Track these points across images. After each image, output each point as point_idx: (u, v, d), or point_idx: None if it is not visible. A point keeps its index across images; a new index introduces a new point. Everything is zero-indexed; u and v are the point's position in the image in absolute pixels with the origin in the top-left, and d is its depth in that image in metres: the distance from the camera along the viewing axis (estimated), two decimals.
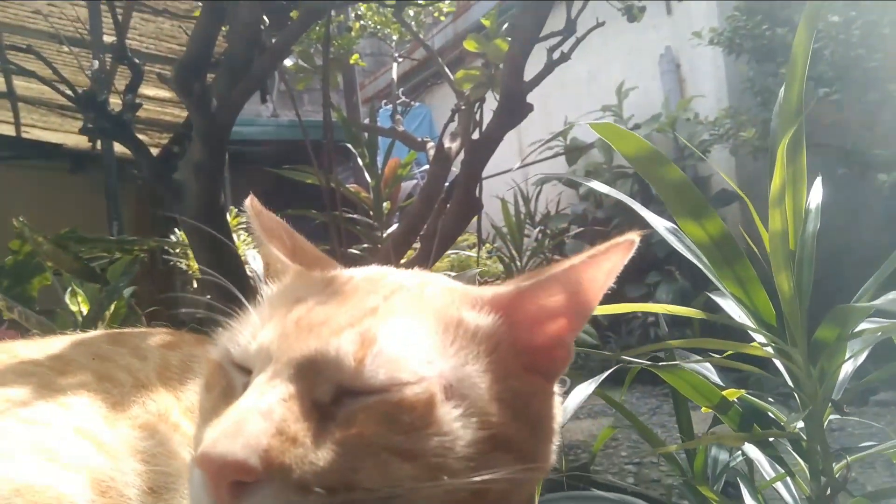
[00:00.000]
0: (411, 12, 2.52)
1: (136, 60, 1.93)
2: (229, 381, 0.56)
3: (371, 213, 2.90)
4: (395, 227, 2.68)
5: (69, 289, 2.27)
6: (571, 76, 5.49)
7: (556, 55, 1.78)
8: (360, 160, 2.64)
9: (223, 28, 1.93)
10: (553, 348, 0.59)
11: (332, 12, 2.41)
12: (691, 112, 4.78)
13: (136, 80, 1.93)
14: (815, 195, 0.95)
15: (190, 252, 5.29)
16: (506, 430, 0.52)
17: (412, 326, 0.53)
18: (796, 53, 0.86)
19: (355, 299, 0.55)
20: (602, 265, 0.57)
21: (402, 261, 1.93)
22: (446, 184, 2.07)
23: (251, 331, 0.55)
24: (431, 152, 2.36)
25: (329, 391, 0.50)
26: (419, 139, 2.44)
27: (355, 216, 2.66)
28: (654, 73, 5.26)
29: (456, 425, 0.49)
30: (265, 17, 2.02)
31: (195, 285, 4.93)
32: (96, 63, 2.08)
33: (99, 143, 5.47)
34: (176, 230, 3.56)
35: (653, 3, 2.37)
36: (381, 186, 2.60)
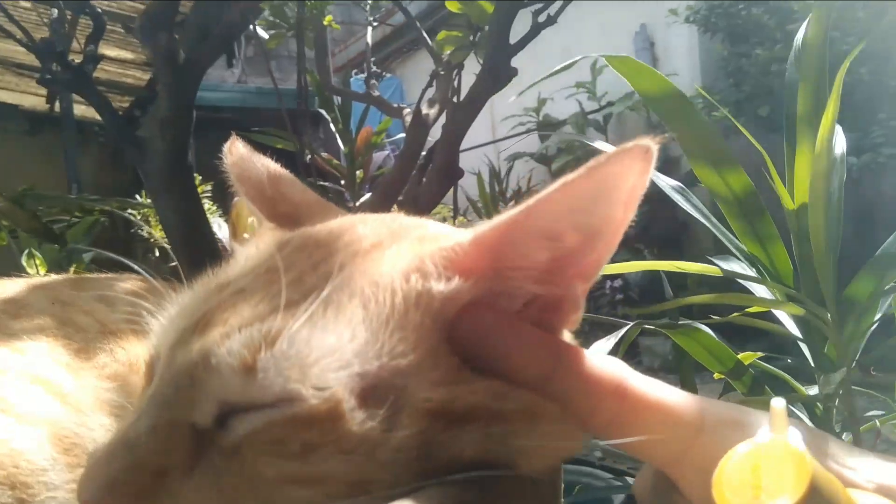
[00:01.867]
0: None
1: (99, 10, 1.82)
2: (152, 377, 0.47)
3: (342, 181, 2.84)
4: (367, 196, 2.62)
5: (26, 251, 2.17)
6: (545, 52, 5.43)
7: (541, 18, 1.73)
8: (332, 126, 2.56)
9: None
10: (553, 304, 0.45)
11: None
12: None
13: (97, 32, 1.83)
14: (840, 144, 0.91)
15: (153, 219, 5.15)
16: (462, 401, 0.41)
17: (336, 317, 0.41)
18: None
19: (279, 284, 0.43)
20: (614, 179, 0.40)
21: None
22: (423, 151, 2.02)
23: (166, 323, 0.47)
24: (408, 119, 2.30)
25: (210, 411, 0.41)
26: (395, 105, 2.37)
27: (327, 184, 2.59)
28: (629, 51, 5.23)
29: (373, 432, 0.39)
30: None
31: (157, 254, 4.80)
32: (55, 12, 1.96)
33: (58, 104, 5.26)
34: (138, 196, 3.44)
35: None
36: (354, 153, 2.53)
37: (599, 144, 1.02)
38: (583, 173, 0.40)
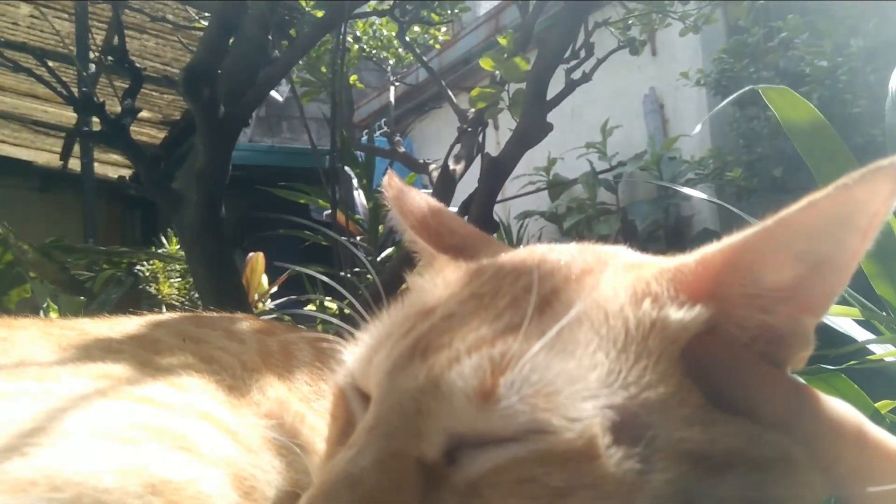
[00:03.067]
0: (415, 29, 2.49)
1: (137, 66, 1.85)
2: (349, 413, 0.45)
3: (358, 237, 2.84)
4: (389, 249, 2.61)
5: (45, 304, 2.14)
6: (555, 113, 5.52)
7: (575, 75, 1.75)
8: (355, 181, 2.57)
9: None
10: (780, 339, 0.41)
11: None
12: (675, 152, 4.83)
13: (135, 86, 1.85)
14: None
15: (161, 275, 5.12)
16: (719, 444, 0.37)
17: (570, 344, 0.37)
18: None
19: (495, 307, 0.41)
20: (858, 203, 0.36)
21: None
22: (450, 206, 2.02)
23: (369, 349, 0.44)
24: (434, 174, 2.31)
25: (438, 444, 0.37)
26: (420, 161, 2.38)
27: (357, 240, 2.59)
28: (638, 113, 5.33)
29: (630, 475, 0.35)
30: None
31: (164, 311, 4.75)
32: (93, 67, 1.99)
33: (72, 160, 5.31)
34: (153, 247, 3.44)
35: None
36: (378, 209, 2.53)
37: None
38: (830, 193, 0.37)
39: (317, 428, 0.51)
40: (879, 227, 0.38)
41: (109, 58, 1.83)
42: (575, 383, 0.36)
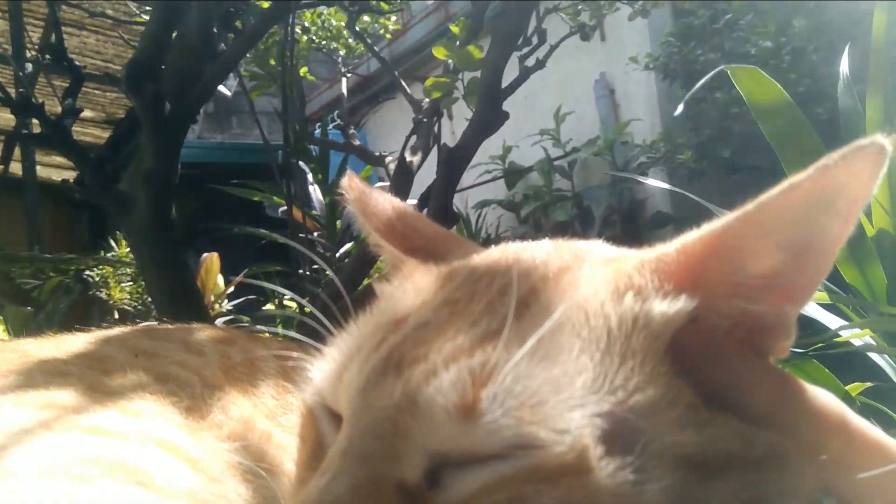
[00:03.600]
0: (364, 18, 2.45)
1: (77, 64, 1.77)
2: (319, 434, 0.42)
3: (315, 233, 2.79)
4: (348, 245, 2.58)
5: None
6: (509, 101, 5.53)
7: (529, 62, 1.75)
8: (310, 176, 2.52)
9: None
10: (762, 328, 0.40)
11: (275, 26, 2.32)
12: (628, 136, 4.88)
13: (75, 84, 1.77)
14: None
15: (112, 280, 4.97)
16: (714, 446, 0.35)
17: (552, 349, 0.35)
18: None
19: (470, 313, 0.38)
20: (838, 185, 0.35)
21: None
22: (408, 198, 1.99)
23: (338, 365, 0.41)
24: (390, 167, 2.28)
25: (419, 465, 0.35)
26: (376, 154, 2.35)
27: (313, 236, 2.54)
28: (590, 98, 5.36)
29: (625, 487, 0.33)
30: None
31: (116, 316, 4.63)
32: (30, 66, 1.90)
33: (13, 164, 5.11)
34: (103, 252, 3.33)
35: None
36: (335, 204, 2.49)
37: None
38: (811, 174, 0.35)
39: (285, 446, 0.48)
40: (860, 211, 0.37)
41: (47, 56, 1.75)
42: (561, 392, 0.34)
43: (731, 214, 0.38)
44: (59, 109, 1.73)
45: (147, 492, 0.38)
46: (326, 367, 0.42)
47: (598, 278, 0.40)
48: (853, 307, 0.84)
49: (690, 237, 0.40)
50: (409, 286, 0.44)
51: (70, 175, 4.82)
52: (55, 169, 5.63)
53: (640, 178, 1.77)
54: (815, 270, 0.39)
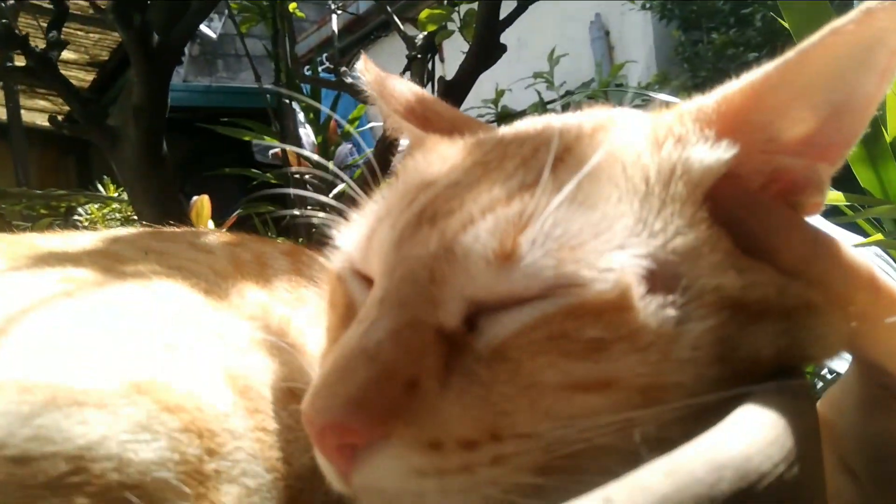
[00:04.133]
0: None
1: None
2: (350, 297, 0.42)
3: (307, 175, 2.75)
4: (341, 186, 2.55)
5: None
6: (502, 42, 5.45)
7: None
8: (302, 116, 2.48)
9: None
10: (797, 185, 0.40)
11: None
12: (623, 78, 4.82)
13: (59, 17, 1.72)
14: None
15: (101, 223, 4.93)
16: (753, 292, 0.35)
17: (590, 197, 0.35)
18: None
19: (504, 169, 0.38)
20: (877, 37, 0.34)
21: None
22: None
23: (367, 229, 0.41)
24: None
25: (458, 311, 0.35)
26: None
27: (308, 176, 2.51)
28: (585, 40, 5.28)
29: (668, 325, 0.33)
30: None
31: None
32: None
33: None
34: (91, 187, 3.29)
35: None
36: (328, 142, 2.46)
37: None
38: (852, 18, 0.34)
39: (304, 331, 0.48)
40: None
41: None
42: (601, 235, 0.34)
43: (772, 64, 0.37)
44: (43, 46, 1.68)
45: (177, 356, 0.38)
46: (354, 232, 0.42)
47: (636, 130, 0.40)
48: (864, 208, 0.83)
49: (730, 88, 0.39)
50: (435, 157, 0.44)
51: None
52: (39, 113, 5.52)
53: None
54: (850, 130, 0.39)
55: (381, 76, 0.54)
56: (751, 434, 0.29)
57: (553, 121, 0.44)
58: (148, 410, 0.35)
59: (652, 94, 4.37)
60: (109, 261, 0.48)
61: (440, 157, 0.44)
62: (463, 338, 0.35)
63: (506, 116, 5.47)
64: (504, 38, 1.82)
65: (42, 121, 5.25)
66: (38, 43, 1.77)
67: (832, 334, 0.38)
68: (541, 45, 5.33)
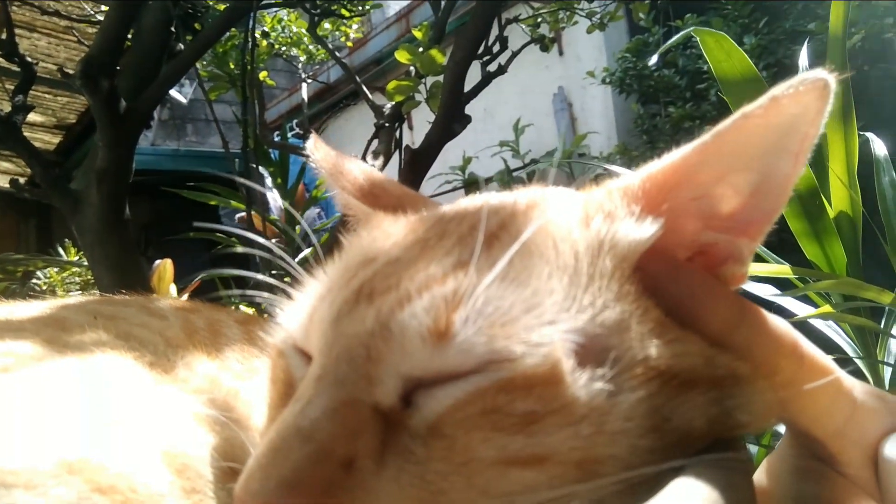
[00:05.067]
0: (325, 26, 2.45)
1: (29, 60, 1.73)
2: (290, 374, 0.42)
3: (274, 239, 2.75)
4: (307, 251, 2.55)
5: None
6: (469, 113, 5.59)
7: (491, 68, 1.76)
8: (270, 180, 2.49)
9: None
10: (719, 259, 0.41)
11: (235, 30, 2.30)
12: (585, 148, 4.96)
13: (27, 82, 1.73)
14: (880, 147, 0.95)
15: (59, 288, 4.80)
16: (682, 362, 0.36)
17: (521, 273, 0.36)
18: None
19: (441, 247, 0.39)
20: (788, 122, 0.36)
21: None
22: None
23: (308, 306, 0.41)
24: None
25: (394, 388, 0.35)
26: None
27: (273, 243, 2.50)
28: (549, 111, 5.44)
29: (599, 398, 0.33)
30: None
31: None
32: None
33: None
34: (51, 251, 3.22)
35: None
36: (295, 208, 2.46)
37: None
38: (762, 104, 0.35)
39: (252, 404, 0.47)
40: (811, 147, 0.38)
41: None
42: (532, 310, 0.35)
43: (690, 144, 0.39)
44: (9, 109, 1.68)
45: (109, 432, 0.37)
46: (295, 309, 0.42)
47: (567, 207, 0.41)
48: (812, 280, 0.87)
49: (654, 167, 0.40)
50: (379, 233, 0.44)
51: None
52: (2, 175, 5.46)
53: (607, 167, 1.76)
54: (769, 208, 0.40)
55: (330, 154, 0.55)
56: None
57: (491, 199, 0.45)
58: (79, 491, 0.34)
59: (610, 166, 4.50)
60: (54, 329, 0.47)
61: (383, 233, 0.44)
62: (399, 415, 0.35)
63: (472, 183, 5.56)
64: (471, 108, 1.87)
65: (4, 182, 5.18)
66: (4, 106, 1.77)
67: (760, 403, 0.38)
68: (506, 116, 5.48)
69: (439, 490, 0.33)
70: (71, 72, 1.59)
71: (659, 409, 0.35)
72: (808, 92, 0.35)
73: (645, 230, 0.39)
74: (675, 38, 1.24)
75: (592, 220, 0.39)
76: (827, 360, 0.39)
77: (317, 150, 0.54)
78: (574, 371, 0.34)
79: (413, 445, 0.34)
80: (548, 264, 0.37)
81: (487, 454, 0.33)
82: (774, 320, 0.39)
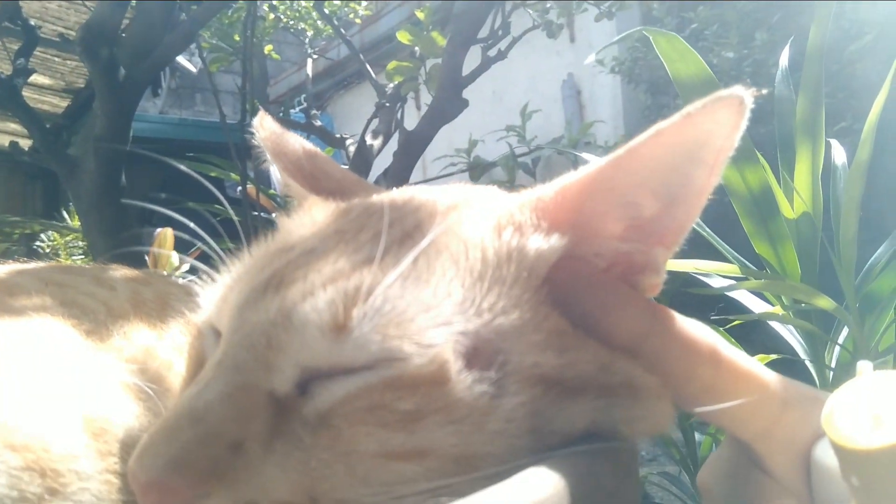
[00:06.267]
0: (334, 2, 2.44)
1: (31, 24, 1.73)
2: (201, 352, 0.43)
3: (273, 213, 2.76)
4: None
5: None
6: (476, 95, 5.56)
7: (491, 53, 1.76)
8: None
9: None
10: (635, 268, 0.42)
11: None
12: (591, 136, 4.94)
13: (29, 45, 1.73)
14: (840, 155, 0.96)
15: (63, 252, 4.83)
16: (571, 370, 0.37)
17: (425, 273, 0.37)
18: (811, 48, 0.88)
19: (357, 241, 0.40)
20: (703, 135, 0.37)
21: None
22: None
23: (224, 289, 0.42)
24: (351, 150, 2.28)
25: (291, 376, 0.36)
26: (337, 135, 2.34)
27: (270, 216, 2.51)
28: (557, 98, 5.41)
29: (483, 399, 0.35)
30: None
31: None
32: None
33: None
34: (55, 222, 3.24)
35: None
36: None
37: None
38: (675, 121, 0.36)
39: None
40: (725, 161, 0.39)
41: (3, 19, 1.71)
42: (428, 311, 0.36)
43: (605, 158, 0.39)
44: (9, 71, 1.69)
45: (28, 394, 0.38)
46: (215, 290, 0.44)
47: (482, 214, 0.42)
48: (763, 280, 0.88)
49: (568, 179, 0.41)
50: (307, 219, 0.46)
51: (25, 143, 4.70)
52: (9, 136, 5.47)
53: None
54: (684, 217, 0.41)
55: (275, 133, 0.55)
56: (526, 492, 0.31)
57: (418, 194, 0.46)
58: None
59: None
60: (1, 294, 0.48)
61: (310, 220, 0.45)
62: (293, 402, 0.36)
63: (477, 166, 5.56)
64: (479, 90, 1.86)
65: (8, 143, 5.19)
66: (5, 69, 1.78)
67: (648, 417, 0.39)
68: (515, 100, 5.47)
69: (321, 476, 0.35)
70: (73, 33, 1.60)
71: (541, 412, 0.36)
72: (722, 109, 0.36)
73: (551, 244, 0.40)
74: (620, 35, 1.25)
75: (504, 231, 0.40)
76: (750, 364, 0.39)
77: (262, 128, 0.55)
78: (461, 372, 0.35)
79: (302, 433, 0.36)
80: (454, 265, 0.38)
81: (369, 447, 0.35)
82: (690, 326, 0.39)
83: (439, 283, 0.37)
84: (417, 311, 0.36)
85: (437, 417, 0.35)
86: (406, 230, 0.40)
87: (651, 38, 0.92)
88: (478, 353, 0.36)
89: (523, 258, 0.39)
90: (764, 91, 0.39)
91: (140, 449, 0.34)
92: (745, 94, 0.36)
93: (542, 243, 0.40)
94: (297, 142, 0.55)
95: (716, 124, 0.37)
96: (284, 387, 0.37)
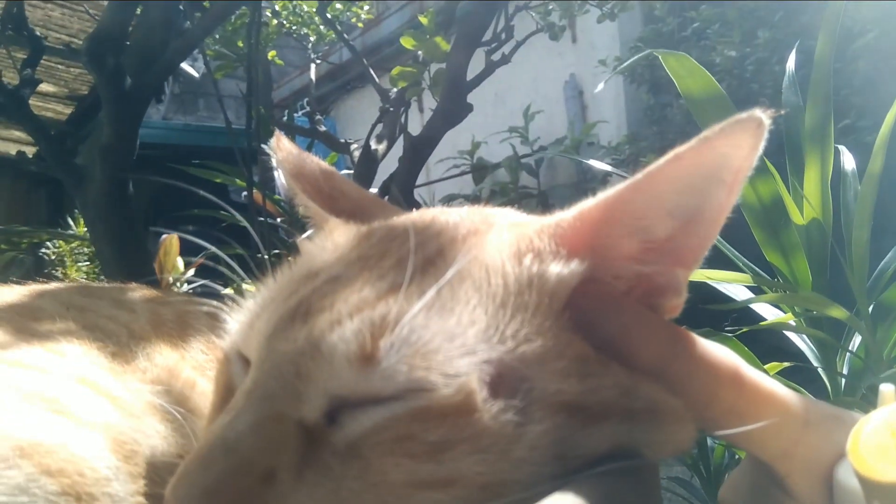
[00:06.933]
0: (336, 6, 2.45)
1: (37, 34, 1.74)
2: (230, 379, 0.44)
3: (278, 218, 2.77)
4: (310, 231, 2.57)
5: None
6: (479, 98, 5.55)
7: (495, 57, 1.77)
8: (274, 160, 2.50)
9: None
10: (656, 289, 0.42)
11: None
12: (594, 137, 4.95)
13: (35, 54, 1.74)
14: (849, 162, 0.96)
15: (68, 259, 4.84)
16: (594, 396, 0.37)
17: (449, 302, 0.37)
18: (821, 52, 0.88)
19: (380, 267, 0.40)
20: (721, 157, 0.37)
21: None
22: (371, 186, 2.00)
23: (252, 315, 0.43)
24: (355, 155, 2.28)
25: (319, 406, 0.37)
26: (342, 140, 2.35)
27: (277, 221, 2.52)
28: (559, 99, 5.42)
29: (508, 427, 0.35)
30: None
31: None
32: None
33: None
34: (60, 229, 3.25)
35: None
36: None
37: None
38: (693, 145, 0.37)
39: (209, 395, 0.48)
40: (743, 181, 0.39)
41: (9, 28, 1.71)
42: (453, 340, 0.37)
43: (624, 183, 0.40)
44: (17, 82, 1.70)
45: (64, 419, 0.39)
46: (242, 317, 0.44)
47: (502, 240, 0.42)
48: (775, 289, 0.88)
49: (587, 204, 0.42)
50: (329, 243, 0.46)
51: (31, 151, 4.71)
52: (13, 143, 5.49)
53: (602, 166, 1.75)
54: (703, 236, 0.41)
55: (293, 154, 0.55)
56: None
57: (438, 217, 0.46)
58: (28, 474, 0.36)
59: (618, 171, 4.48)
60: (25, 319, 0.49)
61: (332, 244, 0.46)
62: (322, 431, 0.37)
63: (480, 168, 5.56)
64: (482, 92, 1.87)
65: (15, 150, 5.21)
66: (11, 79, 1.79)
67: (671, 441, 0.40)
68: (517, 102, 5.47)
69: (347, 500, 0.35)
70: (79, 41, 1.60)
71: (565, 439, 0.37)
72: (741, 132, 0.37)
73: (570, 270, 0.40)
74: (633, 58, 1.26)
75: (524, 257, 0.41)
76: (772, 385, 0.39)
77: (280, 149, 0.55)
78: (487, 401, 0.36)
79: (332, 462, 0.36)
80: (477, 293, 0.39)
81: (398, 477, 0.35)
82: (712, 349, 0.40)
83: (463, 311, 0.38)
84: (443, 340, 0.37)
85: (465, 447, 0.35)
86: (428, 256, 0.41)
87: (661, 58, 0.93)
88: (502, 381, 0.37)
89: (544, 284, 0.40)
90: (782, 111, 0.39)
91: (175, 479, 0.35)
92: (762, 117, 0.36)
93: (562, 269, 0.40)
94: (314, 162, 0.56)
95: (734, 147, 0.37)
96: (313, 416, 0.37)
